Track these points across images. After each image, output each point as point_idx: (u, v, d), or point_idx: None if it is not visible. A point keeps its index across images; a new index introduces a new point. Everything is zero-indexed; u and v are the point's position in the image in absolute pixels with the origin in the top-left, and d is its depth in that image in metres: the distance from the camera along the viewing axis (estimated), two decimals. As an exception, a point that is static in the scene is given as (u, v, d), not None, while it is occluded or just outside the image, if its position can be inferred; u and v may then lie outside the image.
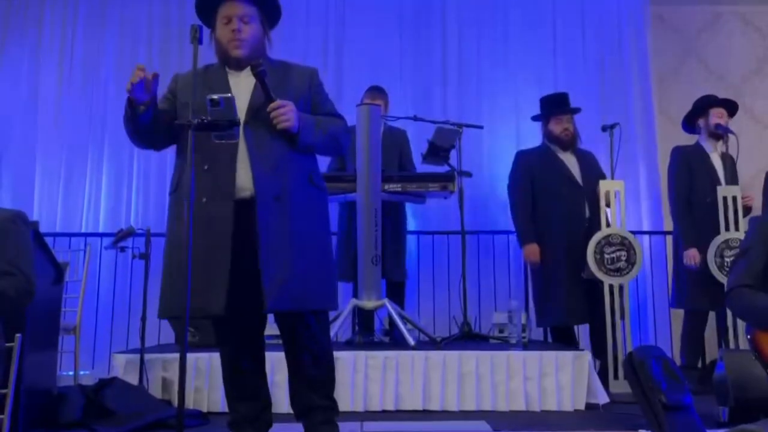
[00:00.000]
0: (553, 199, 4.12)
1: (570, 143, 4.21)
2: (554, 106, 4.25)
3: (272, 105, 2.21)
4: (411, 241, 4.85)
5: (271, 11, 2.41)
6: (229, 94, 2.10)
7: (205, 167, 2.22)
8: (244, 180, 2.21)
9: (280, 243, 2.20)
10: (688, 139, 4.36)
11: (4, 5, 5.41)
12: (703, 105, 4.22)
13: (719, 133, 4.13)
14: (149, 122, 2.23)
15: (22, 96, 5.31)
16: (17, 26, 5.39)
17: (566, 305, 3.99)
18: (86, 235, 4.85)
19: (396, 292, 4.22)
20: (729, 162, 4.11)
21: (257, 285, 2.18)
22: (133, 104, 2.19)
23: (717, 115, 4.16)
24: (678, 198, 4.12)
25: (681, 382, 2.51)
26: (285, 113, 2.20)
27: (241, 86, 2.30)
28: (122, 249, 3.35)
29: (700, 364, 4.17)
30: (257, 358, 2.43)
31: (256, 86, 2.27)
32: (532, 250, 4.11)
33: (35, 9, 5.41)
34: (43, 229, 3.52)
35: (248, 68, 2.27)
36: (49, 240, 3.28)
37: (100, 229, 5.06)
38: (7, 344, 2.35)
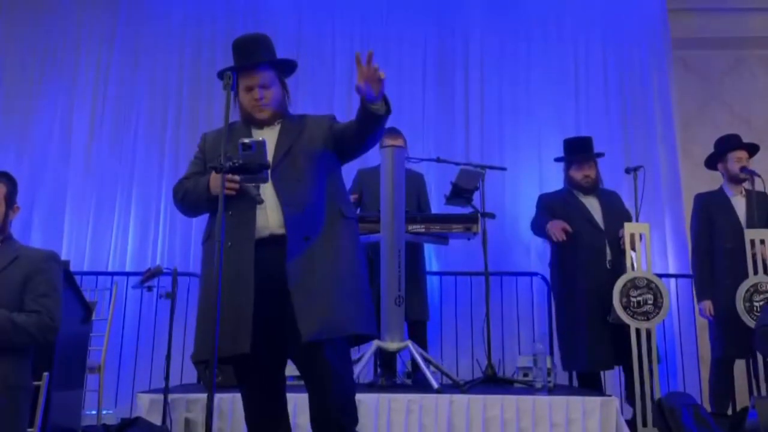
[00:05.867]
0: (575, 242, 4.07)
1: (591, 189, 4.19)
2: (575, 152, 4.22)
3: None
4: (434, 281, 4.84)
5: (288, 69, 2.53)
6: (261, 138, 2.17)
7: (230, 213, 2.29)
8: (274, 221, 2.29)
9: (310, 279, 2.24)
10: (713, 182, 4.33)
11: (41, 49, 5.57)
12: (722, 149, 4.18)
13: (741, 177, 4.09)
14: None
15: (55, 137, 5.42)
16: (53, 70, 5.53)
17: (591, 351, 3.93)
18: (113, 274, 4.91)
19: (418, 332, 4.18)
20: (760, 201, 4.03)
21: (279, 325, 2.23)
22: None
23: (735, 159, 4.10)
24: (695, 249, 4.15)
25: (713, 430, 2.46)
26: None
27: (266, 135, 2.39)
28: (149, 288, 3.39)
29: (730, 411, 4.07)
30: (278, 398, 2.43)
31: (280, 134, 2.39)
32: None
33: (71, 54, 5.55)
34: (71, 267, 3.57)
35: (271, 121, 2.42)
36: (76, 279, 3.32)
37: (127, 269, 5.11)
38: (35, 383, 2.38)
